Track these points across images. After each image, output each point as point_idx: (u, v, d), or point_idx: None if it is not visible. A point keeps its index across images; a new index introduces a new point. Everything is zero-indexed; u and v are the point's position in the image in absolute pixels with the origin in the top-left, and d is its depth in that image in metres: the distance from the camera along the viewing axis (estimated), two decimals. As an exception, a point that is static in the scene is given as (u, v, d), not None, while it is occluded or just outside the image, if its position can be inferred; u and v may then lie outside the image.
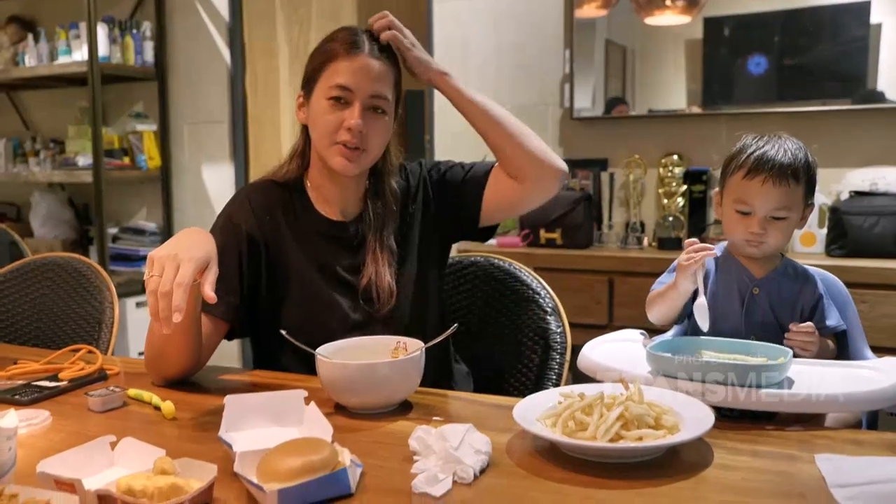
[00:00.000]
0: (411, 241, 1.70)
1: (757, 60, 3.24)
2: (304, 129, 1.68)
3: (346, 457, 1.05)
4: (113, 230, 4.19)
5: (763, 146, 1.49)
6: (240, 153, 4.10)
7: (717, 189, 1.60)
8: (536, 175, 1.67)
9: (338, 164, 1.58)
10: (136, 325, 3.92)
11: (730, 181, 1.52)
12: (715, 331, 1.46)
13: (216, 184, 4.15)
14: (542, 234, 3.26)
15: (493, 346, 1.87)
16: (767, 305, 1.50)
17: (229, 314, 1.58)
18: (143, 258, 4.13)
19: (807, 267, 1.58)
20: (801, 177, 1.47)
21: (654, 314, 1.55)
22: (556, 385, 1.73)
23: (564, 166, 1.70)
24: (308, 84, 1.62)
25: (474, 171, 1.73)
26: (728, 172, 1.53)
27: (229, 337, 1.64)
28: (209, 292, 1.32)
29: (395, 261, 1.66)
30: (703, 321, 1.42)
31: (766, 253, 1.51)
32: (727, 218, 1.54)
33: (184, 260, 1.31)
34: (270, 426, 1.24)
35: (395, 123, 1.66)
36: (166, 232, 4.21)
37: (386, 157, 1.69)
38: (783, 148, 1.48)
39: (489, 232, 1.78)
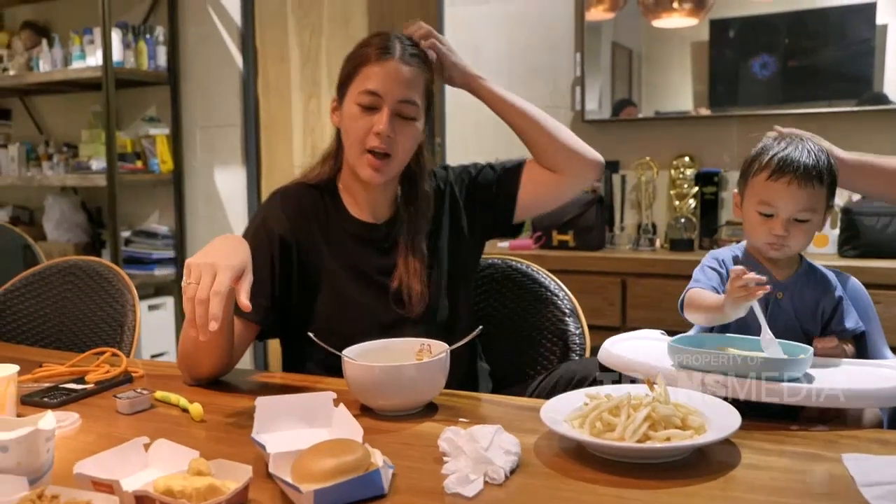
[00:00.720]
0: (441, 244, 1.72)
1: (763, 62, 3.25)
2: (337, 132, 1.71)
3: (378, 458, 1.07)
4: (125, 233, 4.22)
5: (786, 147, 1.49)
6: (252, 157, 4.12)
7: (735, 190, 1.61)
8: (574, 165, 1.73)
9: (365, 175, 1.61)
10: (149, 328, 3.96)
11: (752, 182, 1.52)
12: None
13: (228, 187, 4.18)
14: (555, 236, 3.27)
15: (512, 347, 1.89)
16: (791, 309, 1.50)
17: (259, 316, 1.60)
18: (156, 261, 4.16)
19: (823, 268, 1.59)
20: (824, 179, 1.48)
21: (692, 319, 1.53)
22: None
23: (600, 157, 1.76)
24: (341, 88, 1.65)
25: (506, 170, 1.78)
26: (750, 174, 1.52)
27: (260, 338, 1.66)
28: (244, 301, 1.34)
29: (425, 264, 1.68)
30: (774, 350, 1.37)
31: (788, 255, 1.52)
32: (749, 219, 1.54)
33: (221, 268, 1.33)
34: (301, 428, 1.26)
35: (426, 128, 1.68)
36: (178, 235, 4.23)
37: (419, 160, 1.71)
38: (806, 149, 1.48)
39: (520, 228, 1.83)
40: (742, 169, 1.57)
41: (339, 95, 1.67)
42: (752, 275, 1.35)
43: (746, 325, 1.49)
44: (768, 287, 1.35)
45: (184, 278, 1.36)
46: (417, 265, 1.66)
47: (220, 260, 1.35)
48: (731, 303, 1.37)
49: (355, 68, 1.61)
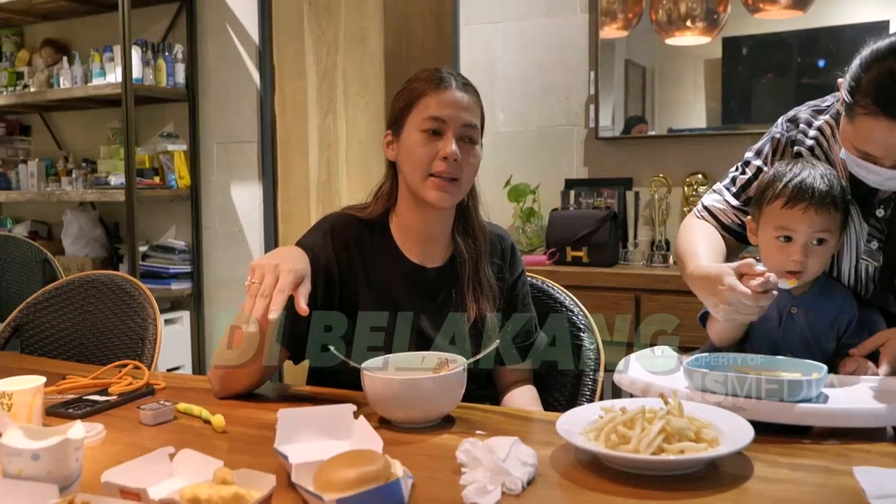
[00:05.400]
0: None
1: (775, 80, 3.28)
2: (391, 168, 1.71)
3: (398, 468, 1.09)
4: (143, 248, 4.26)
5: (799, 173, 1.50)
6: (268, 173, 4.16)
7: (749, 217, 1.62)
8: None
9: (433, 197, 1.60)
10: (165, 343, 3.95)
11: (767, 210, 1.52)
12: (751, 349, 1.49)
13: (245, 202, 4.22)
14: (569, 252, 3.29)
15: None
16: (805, 324, 1.52)
17: (292, 342, 1.61)
18: (173, 276, 4.20)
19: (839, 283, 1.60)
20: (839, 205, 1.50)
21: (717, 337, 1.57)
22: (590, 401, 1.76)
23: None
24: (397, 122, 1.65)
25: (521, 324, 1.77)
26: (764, 201, 1.53)
27: (292, 360, 1.68)
28: (303, 305, 1.39)
29: (494, 293, 1.70)
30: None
31: (804, 282, 1.53)
32: (766, 247, 1.54)
33: (283, 270, 1.39)
34: (321, 439, 1.28)
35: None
36: (195, 250, 4.27)
37: (473, 192, 1.72)
38: (818, 174, 1.49)
39: None
40: (755, 197, 1.58)
41: (393, 130, 1.67)
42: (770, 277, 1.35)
43: (761, 345, 1.52)
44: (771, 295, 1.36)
45: (248, 277, 1.41)
46: (486, 297, 1.68)
47: (284, 263, 1.40)
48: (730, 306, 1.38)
49: (412, 101, 1.63)
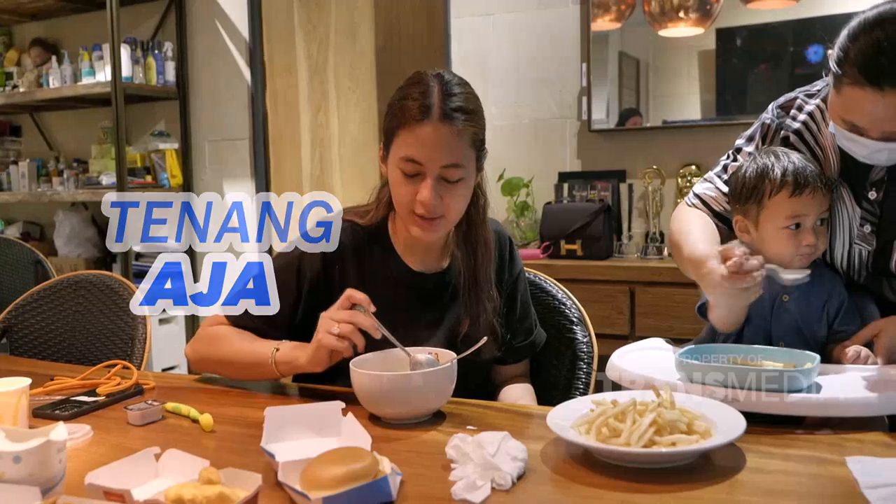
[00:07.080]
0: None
1: (770, 70, 3.26)
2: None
3: (386, 465, 1.08)
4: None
5: (788, 161, 1.50)
6: (260, 170, 4.15)
7: (738, 217, 1.58)
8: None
9: (416, 234, 1.55)
10: (159, 342, 3.96)
11: (771, 203, 1.50)
12: (741, 337, 1.48)
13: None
14: (563, 245, 3.28)
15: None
16: (796, 312, 1.51)
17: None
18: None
19: (828, 269, 1.59)
20: (829, 183, 1.52)
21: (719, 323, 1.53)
22: (584, 394, 1.74)
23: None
24: (386, 140, 1.57)
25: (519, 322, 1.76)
26: (764, 196, 1.51)
27: None
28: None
29: (493, 307, 1.65)
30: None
31: (812, 260, 1.53)
32: (773, 239, 1.51)
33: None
34: (310, 437, 1.27)
35: (479, 174, 1.62)
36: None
37: (477, 204, 1.64)
38: (800, 158, 1.51)
39: None
40: (744, 194, 1.55)
41: (384, 145, 1.58)
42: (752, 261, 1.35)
43: (755, 332, 1.50)
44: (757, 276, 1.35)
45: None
46: (483, 308, 1.63)
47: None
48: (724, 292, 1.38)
49: (395, 127, 1.52)
